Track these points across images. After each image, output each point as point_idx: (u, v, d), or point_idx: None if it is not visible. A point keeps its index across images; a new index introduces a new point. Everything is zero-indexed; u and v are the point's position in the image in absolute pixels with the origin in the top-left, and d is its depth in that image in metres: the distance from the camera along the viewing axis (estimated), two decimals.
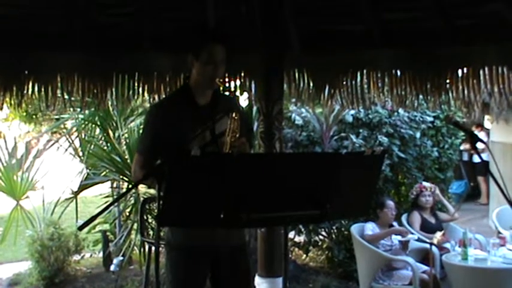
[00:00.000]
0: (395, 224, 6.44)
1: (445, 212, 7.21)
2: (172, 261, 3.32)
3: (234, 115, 3.18)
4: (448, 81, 5.16)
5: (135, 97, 5.58)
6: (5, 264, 8.69)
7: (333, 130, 7.53)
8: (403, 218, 6.91)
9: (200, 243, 3.20)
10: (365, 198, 3.11)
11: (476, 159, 11.65)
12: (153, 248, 4.88)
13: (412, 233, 6.40)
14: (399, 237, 6.18)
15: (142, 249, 7.01)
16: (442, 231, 6.41)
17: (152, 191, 6.04)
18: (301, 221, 5.22)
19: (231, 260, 3.33)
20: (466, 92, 5.10)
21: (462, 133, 7.57)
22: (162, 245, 3.38)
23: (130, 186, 6.89)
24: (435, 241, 6.10)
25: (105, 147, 7.64)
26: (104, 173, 7.63)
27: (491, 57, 4.95)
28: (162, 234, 3.43)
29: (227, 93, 3.64)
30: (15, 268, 8.13)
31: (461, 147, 9.69)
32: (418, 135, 7.75)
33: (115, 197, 7.61)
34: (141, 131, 7.02)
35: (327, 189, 2.79)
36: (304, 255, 7.91)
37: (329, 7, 5.22)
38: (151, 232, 6.13)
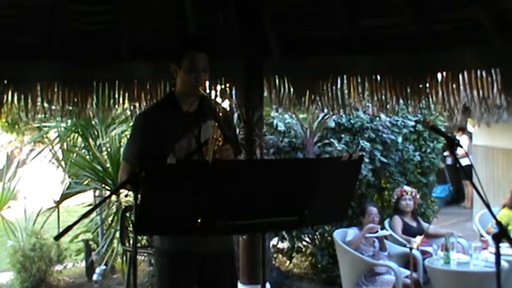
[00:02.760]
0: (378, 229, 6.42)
1: (426, 221, 7.24)
2: (161, 268, 3.31)
3: (215, 123, 3.16)
4: (427, 85, 5.19)
5: (116, 105, 5.56)
6: None
7: (317, 136, 7.53)
8: (386, 223, 6.92)
9: (188, 249, 3.19)
10: (343, 203, 3.10)
11: (461, 163, 11.68)
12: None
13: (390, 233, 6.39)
14: (372, 235, 6.15)
15: (124, 258, 6.97)
16: (423, 235, 6.41)
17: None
18: (279, 228, 5.19)
19: (217, 266, 3.32)
20: (445, 96, 5.13)
21: None
22: (141, 253, 3.37)
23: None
24: (414, 246, 6.11)
25: (87, 156, 7.60)
26: (86, 181, 7.59)
27: (470, 61, 4.97)
28: (146, 241, 3.41)
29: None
30: None
31: (445, 153, 9.72)
32: (400, 139, 7.75)
33: None
34: (125, 139, 7.04)
35: (305, 195, 2.78)
36: (288, 262, 7.89)
37: (308, 14, 5.23)
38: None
